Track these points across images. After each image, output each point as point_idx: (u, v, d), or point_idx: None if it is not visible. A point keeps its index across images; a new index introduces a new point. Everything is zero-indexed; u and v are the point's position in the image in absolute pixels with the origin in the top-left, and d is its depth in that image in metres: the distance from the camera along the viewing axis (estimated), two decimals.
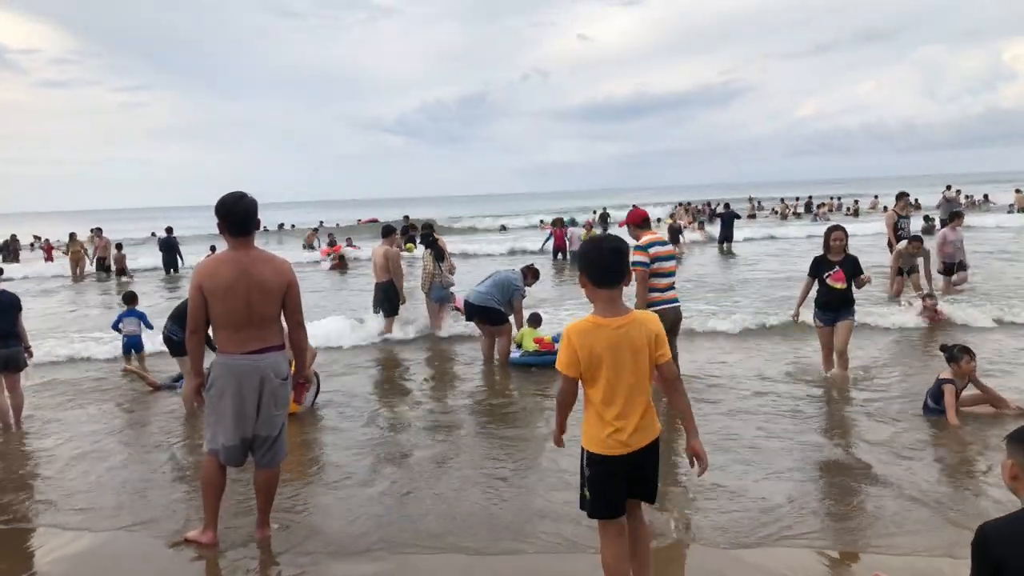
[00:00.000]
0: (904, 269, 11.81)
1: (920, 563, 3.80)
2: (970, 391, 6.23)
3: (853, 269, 7.22)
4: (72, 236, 24.31)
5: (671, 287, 6.90)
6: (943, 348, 6.47)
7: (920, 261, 11.79)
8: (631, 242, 5.44)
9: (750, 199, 46.76)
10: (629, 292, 4.21)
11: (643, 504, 3.19)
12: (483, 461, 5.50)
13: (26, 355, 7.20)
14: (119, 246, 23.47)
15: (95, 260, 23.48)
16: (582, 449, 3.07)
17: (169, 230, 24.11)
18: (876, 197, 45.19)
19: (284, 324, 4.27)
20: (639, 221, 7.14)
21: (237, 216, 4.05)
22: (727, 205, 27.28)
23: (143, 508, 4.92)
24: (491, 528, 4.39)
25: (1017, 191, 35.25)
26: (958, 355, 6.18)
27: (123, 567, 4.23)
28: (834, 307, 7.28)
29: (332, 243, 25.59)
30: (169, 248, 22.95)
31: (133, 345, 10.28)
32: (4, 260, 28.65)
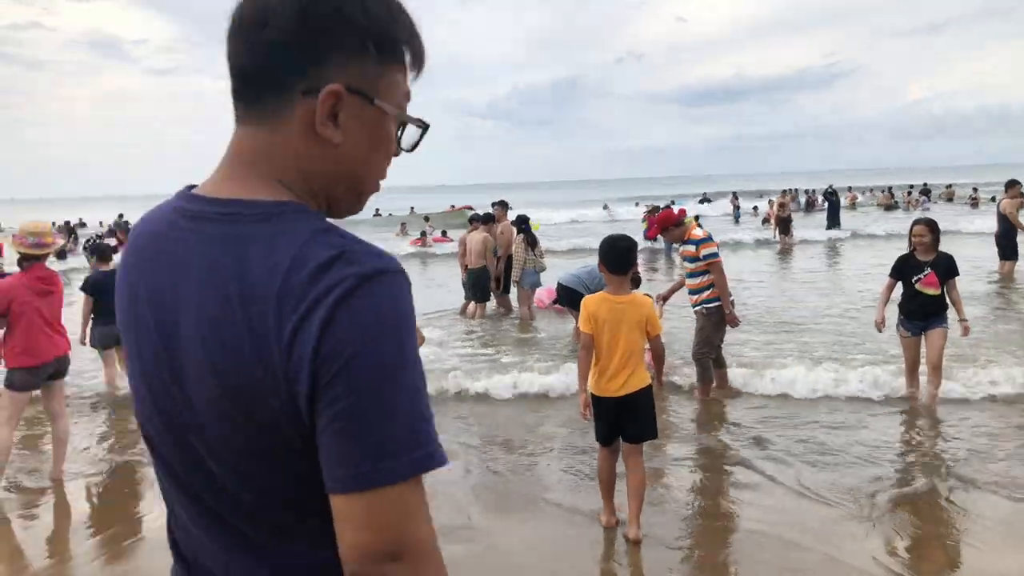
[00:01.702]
0: None
1: None
2: None
3: (947, 271, 6.09)
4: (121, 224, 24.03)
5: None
6: None
7: None
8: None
9: (849, 189, 44.91)
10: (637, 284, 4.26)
11: (640, 448, 4.07)
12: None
13: None
14: None
15: None
16: (589, 394, 4.03)
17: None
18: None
19: None
20: (676, 222, 6.70)
21: None
22: (833, 192, 26.14)
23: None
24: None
25: None
26: None
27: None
28: (923, 315, 6.18)
29: (423, 233, 25.48)
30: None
31: None
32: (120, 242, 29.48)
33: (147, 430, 1.02)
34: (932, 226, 6.18)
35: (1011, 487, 4.56)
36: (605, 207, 38.92)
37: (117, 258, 7.85)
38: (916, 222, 6.35)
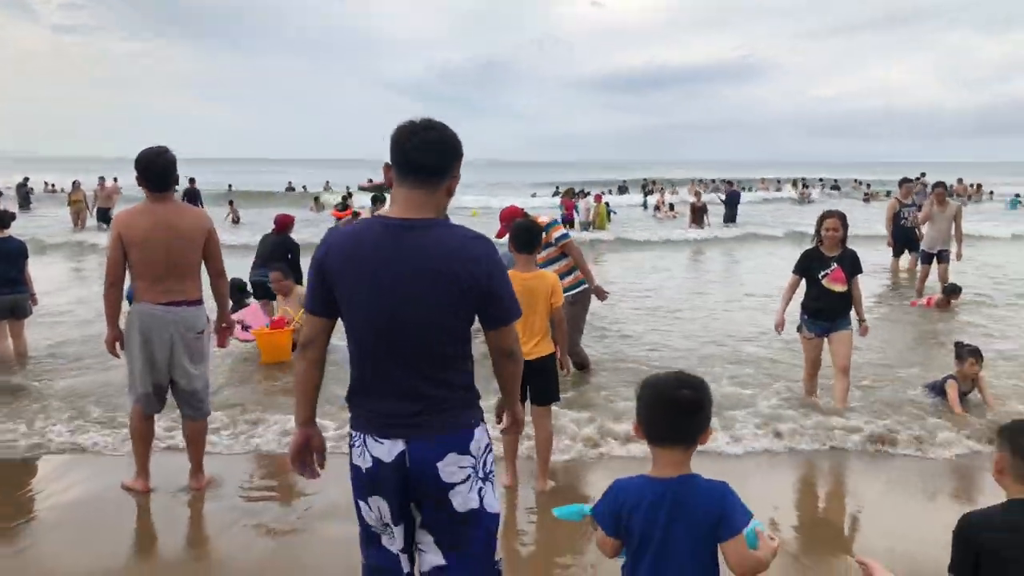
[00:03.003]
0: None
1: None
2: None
3: (853, 267, 5.73)
4: (75, 184, 23.38)
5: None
6: (956, 344, 6.35)
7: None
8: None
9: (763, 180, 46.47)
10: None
11: (548, 410, 4.54)
12: None
13: (31, 303, 7.28)
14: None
15: (95, 210, 22.04)
16: None
17: (192, 180, 24.41)
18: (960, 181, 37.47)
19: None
20: (522, 214, 6.30)
21: (156, 170, 4.15)
22: (729, 183, 26.96)
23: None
24: None
25: None
26: (964, 355, 6.07)
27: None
28: (829, 315, 5.80)
29: (346, 206, 24.90)
30: (192, 198, 23.25)
31: None
32: (19, 206, 27.46)
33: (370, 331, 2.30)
34: (844, 219, 5.79)
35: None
36: (534, 195, 39.05)
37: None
38: (828, 214, 5.86)
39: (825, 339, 5.87)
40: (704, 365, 7.13)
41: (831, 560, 3.80)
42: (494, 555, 2.43)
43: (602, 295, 6.65)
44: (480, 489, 2.34)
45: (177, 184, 4.41)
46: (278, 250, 8.32)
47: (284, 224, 8.74)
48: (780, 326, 5.94)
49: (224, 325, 4.70)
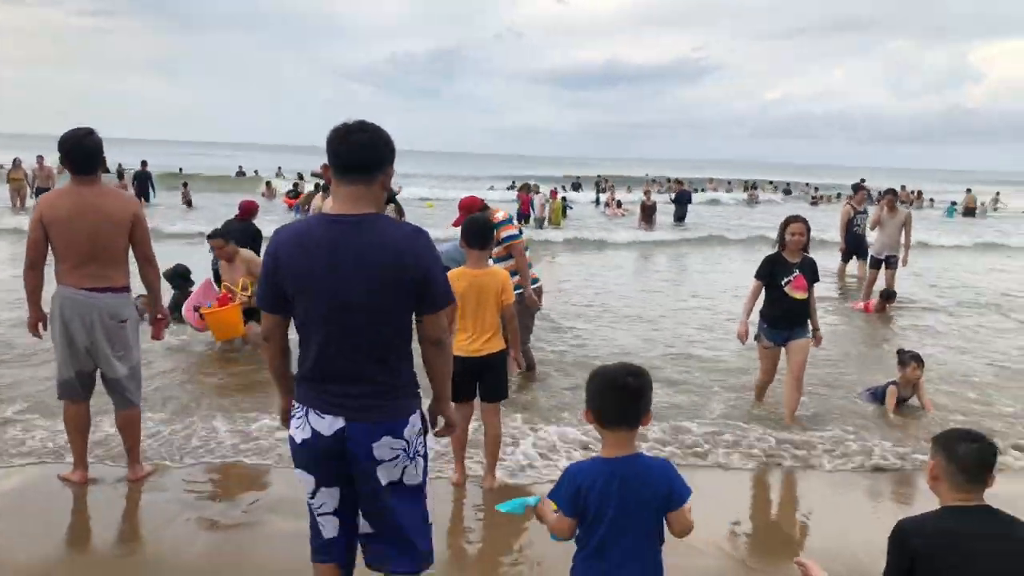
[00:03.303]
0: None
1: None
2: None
3: (812, 274, 5.69)
4: (15, 162, 22.49)
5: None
6: (899, 352, 6.49)
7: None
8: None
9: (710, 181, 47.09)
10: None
11: (497, 408, 4.54)
12: None
13: None
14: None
15: (35, 190, 20.82)
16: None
17: (144, 163, 25.23)
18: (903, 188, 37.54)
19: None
20: (481, 207, 6.38)
21: (82, 153, 4.03)
22: (679, 182, 27.30)
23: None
24: None
25: (968, 191, 36.25)
26: (907, 360, 6.21)
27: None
28: (788, 323, 5.70)
29: (297, 193, 24.72)
30: (143, 181, 24.21)
31: None
32: None
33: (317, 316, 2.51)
34: (807, 225, 5.72)
35: None
36: (491, 188, 38.89)
37: None
38: (793, 219, 5.74)
39: (782, 348, 5.79)
40: (652, 365, 7.16)
41: (780, 565, 3.86)
42: (421, 521, 2.73)
43: (533, 303, 6.37)
44: (405, 467, 2.61)
45: (106, 167, 4.24)
46: (243, 236, 8.16)
47: (248, 210, 8.74)
48: (744, 336, 5.78)
49: (159, 316, 4.56)
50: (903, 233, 11.09)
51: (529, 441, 5.27)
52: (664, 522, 2.36)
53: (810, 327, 5.75)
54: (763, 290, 5.74)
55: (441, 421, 2.91)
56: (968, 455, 2.37)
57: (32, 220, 4.07)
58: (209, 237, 7.67)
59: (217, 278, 7.84)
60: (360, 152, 2.49)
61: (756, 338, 5.88)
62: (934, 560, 2.29)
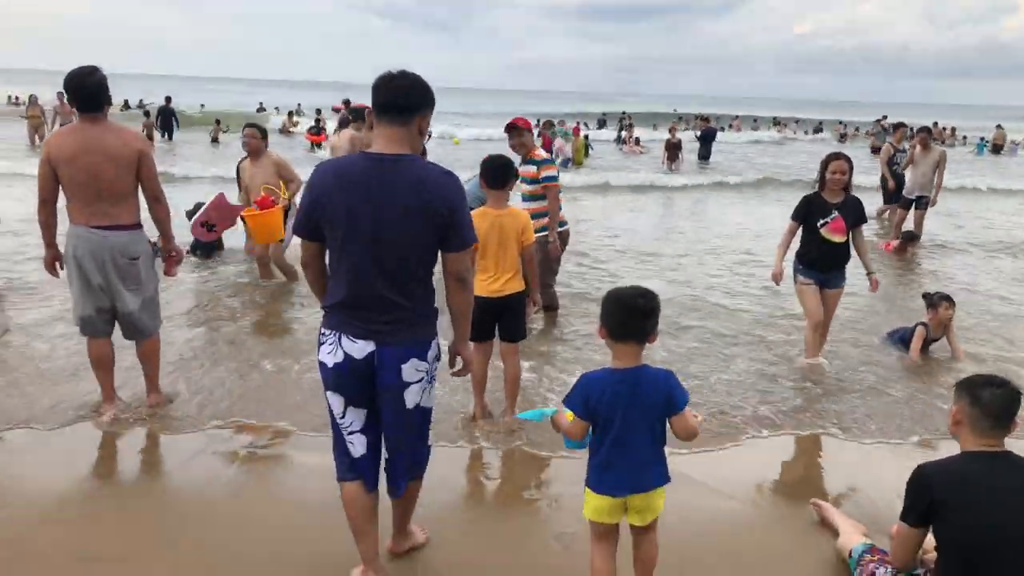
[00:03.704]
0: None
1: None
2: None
3: (856, 216, 5.40)
4: (32, 99, 22.51)
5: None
6: (925, 295, 6.31)
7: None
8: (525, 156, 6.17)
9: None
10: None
11: (516, 347, 4.59)
12: None
13: None
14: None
15: (55, 127, 20.25)
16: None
17: (168, 99, 25.68)
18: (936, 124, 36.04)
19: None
20: (529, 127, 6.32)
21: (87, 91, 4.07)
22: (706, 119, 26.82)
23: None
24: None
25: (998, 127, 35.31)
26: (937, 301, 6.02)
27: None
28: (823, 267, 5.45)
29: (319, 130, 24.62)
30: (167, 116, 24.79)
31: None
32: None
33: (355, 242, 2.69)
34: (850, 163, 5.41)
35: None
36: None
37: None
38: (834, 156, 5.45)
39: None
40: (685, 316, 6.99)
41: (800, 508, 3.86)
42: (427, 439, 3.04)
43: (556, 251, 6.30)
44: (423, 389, 2.88)
45: (110, 104, 4.28)
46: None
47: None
48: (778, 276, 5.53)
49: (172, 254, 4.61)
50: (936, 173, 10.78)
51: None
52: (668, 426, 2.64)
53: (846, 275, 5.55)
54: (799, 230, 5.51)
55: (459, 362, 3.04)
56: (993, 400, 2.34)
57: (41, 158, 4.12)
58: (247, 125, 7.53)
59: (238, 180, 7.64)
60: (399, 96, 2.71)
61: (794, 277, 5.62)
62: (953, 504, 2.29)
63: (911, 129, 14.26)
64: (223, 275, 7.87)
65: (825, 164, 5.40)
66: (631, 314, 2.60)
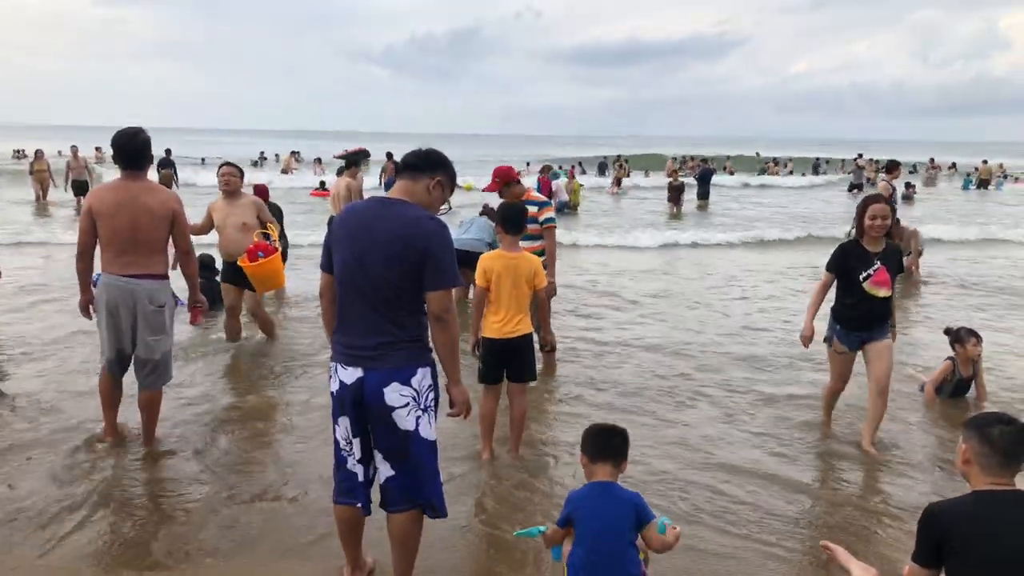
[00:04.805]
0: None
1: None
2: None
3: (898, 265, 4.81)
4: (38, 153, 22.07)
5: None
6: (947, 331, 5.98)
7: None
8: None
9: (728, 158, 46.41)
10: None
11: (524, 387, 4.71)
12: None
13: None
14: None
15: (69, 183, 19.65)
16: (480, 338, 4.60)
17: (168, 152, 25.68)
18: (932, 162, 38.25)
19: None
20: (516, 179, 6.27)
21: (131, 150, 4.48)
22: (704, 160, 27.28)
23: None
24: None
25: (984, 162, 35.68)
26: (964, 336, 5.77)
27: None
28: (867, 325, 4.77)
29: (325, 188, 23.73)
30: (167, 168, 24.49)
31: None
32: None
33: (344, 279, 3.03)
34: (892, 206, 4.86)
35: None
36: (520, 172, 38.25)
37: None
38: (872, 199, 4.80)
39: (858, 352, 4.90)
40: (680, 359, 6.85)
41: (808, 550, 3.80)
42: (434, 472, 3.14)
43: (552, 291, 5.99)
44: (418, 417, 3.03)
45: (151, 163, 4.63)
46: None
47: (261, 193, 8.94)
48: (808, 339, 4.92)
49: (197, 304, 4.98)
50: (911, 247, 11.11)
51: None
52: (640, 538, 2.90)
53: (888, 327, 4.85)
54: (835, 285, 4.85)
55: (451, 402, 3.21)
56: (1002, 438, 2.33)
57: (82, 211, 4.51)
58: (224, 164, 7.14)
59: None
60: (413, 158, 3.16)
61: (826, 340, 5.00)
62: (961, 544, 2.27)
63: (862, 167, 14.41)
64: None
65: (863, 208, 4.72)
66: (607, 440, 3.02)
